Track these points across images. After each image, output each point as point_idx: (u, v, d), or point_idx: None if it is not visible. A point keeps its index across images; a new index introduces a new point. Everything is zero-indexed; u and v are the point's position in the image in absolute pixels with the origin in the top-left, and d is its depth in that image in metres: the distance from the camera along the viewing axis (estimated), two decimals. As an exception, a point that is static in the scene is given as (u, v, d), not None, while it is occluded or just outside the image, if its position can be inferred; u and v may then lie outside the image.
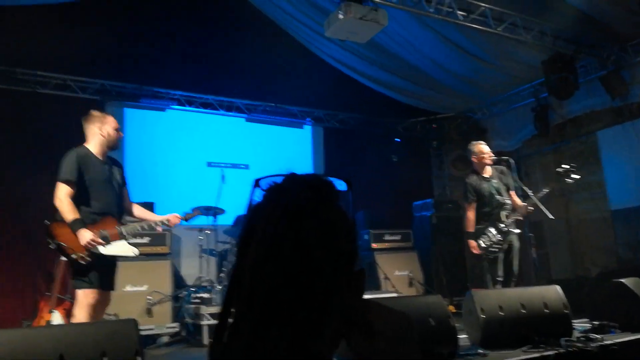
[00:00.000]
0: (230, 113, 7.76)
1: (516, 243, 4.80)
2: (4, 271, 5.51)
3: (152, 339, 4.85)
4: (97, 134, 3.52)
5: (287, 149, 8.28)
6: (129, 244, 3.37)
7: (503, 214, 4.75)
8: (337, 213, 0.66)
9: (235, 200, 6.76)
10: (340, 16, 4.61)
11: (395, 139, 8.76)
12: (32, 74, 6.21)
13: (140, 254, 5.00)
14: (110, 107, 6.88)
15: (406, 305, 3.40)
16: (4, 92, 5.99)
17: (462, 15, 5.44)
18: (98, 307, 3.31)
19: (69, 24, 5.77)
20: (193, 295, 5.31)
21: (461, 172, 8.69)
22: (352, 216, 0.69)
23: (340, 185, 0.71)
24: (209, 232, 5.93)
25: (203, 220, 5.97)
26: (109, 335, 2.19)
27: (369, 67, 7.29)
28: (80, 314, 3.26)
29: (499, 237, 4.71)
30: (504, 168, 4.94)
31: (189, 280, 6.31)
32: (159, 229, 3.49)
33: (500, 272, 4.70)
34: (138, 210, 3.66)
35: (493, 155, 4.90)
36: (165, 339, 5.00)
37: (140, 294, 4.88)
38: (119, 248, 3.30)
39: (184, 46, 6.78)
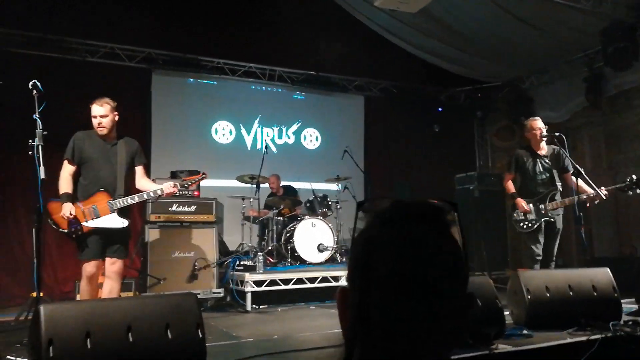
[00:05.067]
0: (273, 82, 7.68)
1: (559, 225, 4.66)
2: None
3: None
4: None
5: (326, 117, 8.19)
6: (119, 215, 3.58)
7: (548, 198, 4.63)
8: (453, 242, 0.67)
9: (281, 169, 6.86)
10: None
11: (438, 109, 8.57)
12: (81, 42, 6.33)
13: (187, 222, 5.26)
14: (157, 76, 6.96)
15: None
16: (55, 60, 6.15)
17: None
18: (96, 277, 3.61)
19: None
20: (237, 262, 5.48)
21: (505, 143, 8.45)
22: (461, 236, 0.69)
23: (446, 206, 0.70)
24: (251, 200, 6.05)
25: (246, 189, 6.10)
26: (173, 308, 2.29)
27: (413, 34, 7.05)
28: (82, 285, 3.60)
29: (533, 216, 4.61)
30: (558, 149, 4.75)
31: (231, 246, 6.49)
32: (154, 196, 3.70)
33: (539, 250, 4.59)
34: (145, 184, 3.82)
35: (545, 131, 4.72)
36: (210, 303, 5.21)
37: (187, 260, 5.07)
38: (108, 221, 3.54)
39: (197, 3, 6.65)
